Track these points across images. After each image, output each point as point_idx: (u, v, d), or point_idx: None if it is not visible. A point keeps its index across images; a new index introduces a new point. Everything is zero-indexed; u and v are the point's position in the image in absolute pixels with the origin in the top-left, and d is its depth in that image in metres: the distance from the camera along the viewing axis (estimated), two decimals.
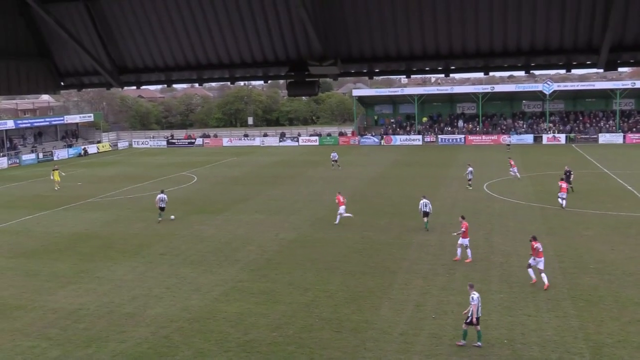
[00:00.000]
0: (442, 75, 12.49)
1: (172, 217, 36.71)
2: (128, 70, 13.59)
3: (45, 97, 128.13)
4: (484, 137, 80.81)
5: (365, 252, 28.36)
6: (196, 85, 14.36)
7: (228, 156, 75.74)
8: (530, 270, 23.26)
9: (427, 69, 12.41)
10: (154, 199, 38.98)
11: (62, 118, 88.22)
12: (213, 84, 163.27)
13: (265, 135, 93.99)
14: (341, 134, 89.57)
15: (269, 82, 14.13)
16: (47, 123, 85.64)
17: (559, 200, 36.91)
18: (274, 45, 12.30)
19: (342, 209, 34.44)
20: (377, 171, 56.19)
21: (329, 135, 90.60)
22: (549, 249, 27.74)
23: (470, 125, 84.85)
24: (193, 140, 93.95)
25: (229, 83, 14.18)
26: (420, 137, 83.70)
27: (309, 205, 40.17)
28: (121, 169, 65.76)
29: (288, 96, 13.34)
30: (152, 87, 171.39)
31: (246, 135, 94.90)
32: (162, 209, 36.56)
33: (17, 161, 74.98)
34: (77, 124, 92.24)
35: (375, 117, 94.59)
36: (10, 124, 78.42)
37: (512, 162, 49.53)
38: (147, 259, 28.47)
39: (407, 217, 34.87)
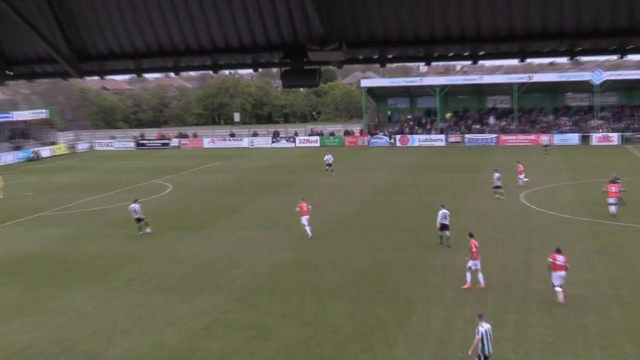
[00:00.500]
0: (469, 62, 12.48)
1: (149, 230, 37.16)
2: (90, 57, 13.60)
3: None
4: (519, 136, 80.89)
5: (377, 276, 28.33)
6: (172, 74, 14.35)
7: (210, 160, 75.75)
8: (558, 289, 24.33)
9: (450, 54, 12.39)
10: (119, 212, 39.07)
11: (9, 115, 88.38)
12: (192, 72, 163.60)
13: (255, 134, 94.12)
14: (347, 133, 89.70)
15: (260, 70, 14.14)
16: None
17: (610, 208, 37.14)
18: (266, 26, 12.31)
19: (305, 219, 35.31)
20: (390, 178, 56.18)
21: (332, 134, 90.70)
22: (600, 272, 27.71)
23: (503, 123, 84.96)
24: (167, 141, 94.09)
25: (211, 72, 14.19)
26: (442, 136, 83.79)
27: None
28: (81, 176, 65.75)
29: (282, 87, 13.36)
30: (118, 77, 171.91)
31: (232, 135, 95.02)
32: (138, 220, 37.26)
33: None
34: (27, 121, 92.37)
35: (389, 113, 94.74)
36: None
37: (521, 168, 50.06)
38: (112, 285, 28.44)
39: (427, 234, 34.83)
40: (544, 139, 75.34)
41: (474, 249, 26.42)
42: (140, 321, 24.02)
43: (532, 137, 79.56)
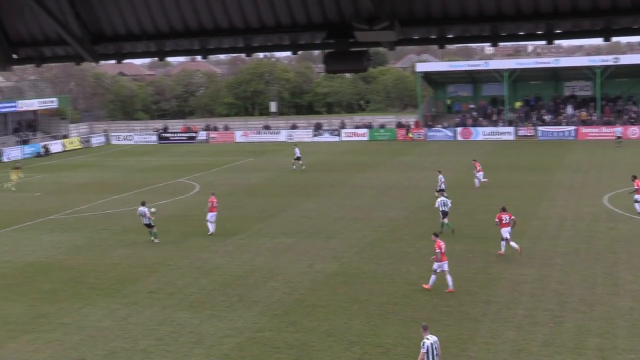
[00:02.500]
0: (543, 43, 12.34)
1: (156, 240, 37.45)
2: (105, 38, 13.74)
3: None
4: (603, 129, 79.74)
5: (435, 291, 28.21)
6: (199, 58, 14.47)
7: (242, 156, 76.14)
8: (503, 243, 32.35)
9: (521, 33, 12.27)
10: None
11: (14, 104, 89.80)
12: (222, 56, 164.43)
13: (294, 126, 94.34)
14: (400, 126, 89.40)
15: (300, 53, 14.17)
16: None
17: None
18: (306, 2, 12.32)
19: (211, 216, 39.03)
20: (450, 177, 55.83)
21: (382, 127, 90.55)
22: None
23: (583, 113, 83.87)
24: (194, 134, 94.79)
25: (243, 55, 14.27)
26: (511, 129, 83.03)
27: (354, 224, 40.14)
28: (95, 174, 66.60)
29: (326, 73, 13.38)
30: (138, 61, 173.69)
31: (267, 127, 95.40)
32: (148, 226, 37.60)
33: None
34: (35, 111, 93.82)
35: (448, 102, 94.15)
36: None
37: (478, 166, 51.16)
38: (131, 299, 28.76)
39: (493, 242, 34.56)
40: (619, 130, 74.37)
41: (437, 250, 28.11)
42: (164, 340, 24.25)
43: (618, 129, 78.32)
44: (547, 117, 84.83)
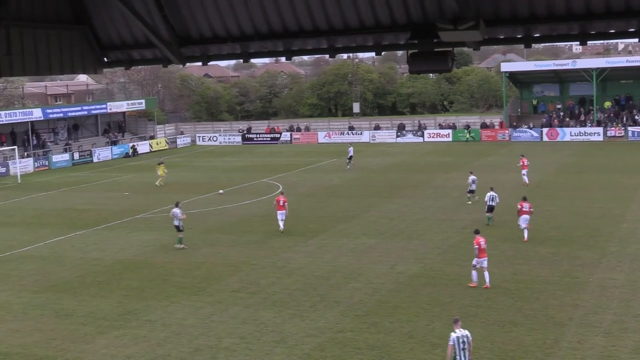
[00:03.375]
0: (635, 40, 12.06)
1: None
2: (192, 40, 13.98)
3: (82, 78, 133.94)
4: None
5: (519, 294, 27.88)
6: (282, 59, 14.62)
7: (325, 157, 76.38)
8: (525, 231, 34.82)
9: (611, 31, 12.03)
10: (223, 215, 39.94)
11: (104, 106, 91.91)
12: (305, 57, 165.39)
13: (377, 127, 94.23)
14: (485, 126, 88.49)
15: (383, 53, 14.17)
16: (85, 112, 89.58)
17: None
18: (390, 3, 12.31)
19: (280, 214, 39.47)
20: (536, 179, 54.97)
21: (467, 127, 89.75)
22: None
23: None
24: (277, 135, 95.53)
25: (327, 56, 14.35)
26: (600, 130, 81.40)
27: (438, 226, 39.92)
28: (181, 174, 67.70)
29: (409, 73, 13.38)
30: (223, 63, 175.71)
31: (351, 128, 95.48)
32: (177, 229, 37.39)
33: (46, 163, 78.99)
34: (123, 113, 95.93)
35: (534, 102, 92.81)
36: (37, 113, 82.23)
37: (525, 162, 52.01)
38: (215, 298, 29.18)
39: (580, 245, 34.02)
40: None
41: (476, 246, 28.69)
42: (247, 339, 24.54)
43: None
44: (638, 117, 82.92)
